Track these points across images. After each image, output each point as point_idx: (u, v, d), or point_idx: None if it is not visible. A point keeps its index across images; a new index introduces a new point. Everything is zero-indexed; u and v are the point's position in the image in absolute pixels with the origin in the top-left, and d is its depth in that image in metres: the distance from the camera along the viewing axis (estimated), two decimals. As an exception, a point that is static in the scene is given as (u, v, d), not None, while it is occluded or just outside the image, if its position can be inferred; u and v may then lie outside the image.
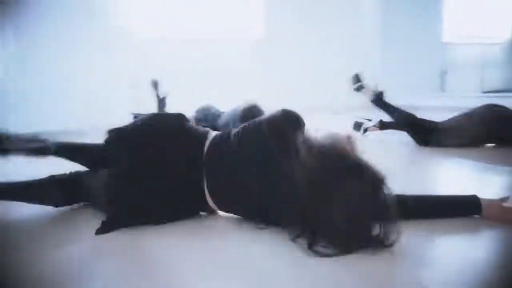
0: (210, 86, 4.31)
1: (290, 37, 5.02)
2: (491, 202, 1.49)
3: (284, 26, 5.01)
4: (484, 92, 5.85)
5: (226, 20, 4.77)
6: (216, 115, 3.24)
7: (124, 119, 3.65)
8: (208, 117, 3.23)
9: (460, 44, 6.58)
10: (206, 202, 1.42)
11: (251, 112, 3.12)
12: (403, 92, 5.44)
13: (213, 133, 1.48)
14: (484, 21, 7.04)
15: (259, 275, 1.09)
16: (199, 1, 4.65)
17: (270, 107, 3.36)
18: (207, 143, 1.42)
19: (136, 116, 3.80)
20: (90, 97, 4.05)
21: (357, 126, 3.32)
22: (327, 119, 3.78)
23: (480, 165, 2.45)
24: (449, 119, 2.93)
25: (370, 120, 3.30)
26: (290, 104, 4.28)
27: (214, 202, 1.41)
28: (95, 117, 3.93)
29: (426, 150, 2.85)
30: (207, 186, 1.38)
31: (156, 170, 1.37)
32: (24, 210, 1.64)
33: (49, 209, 1.63)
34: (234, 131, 1.41)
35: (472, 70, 6.47)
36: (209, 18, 4.69)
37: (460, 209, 1.49)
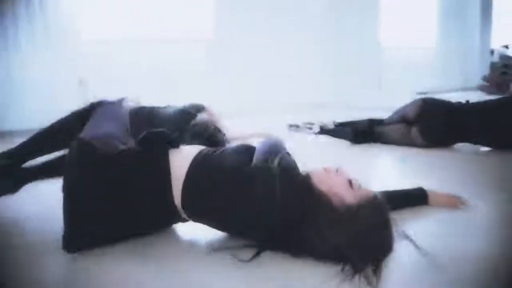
0: (159, 87, 4.30)
1: (240, 39, 5.12)
2: (433, 192, 1.73)
3: (234, 28, 5.10)
4: (418, 93, 6.29)
5: (175, 21, 4.78)
6: (154, 112, 3.17)
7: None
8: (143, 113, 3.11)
9: (396, 48, 7.02)
10: (179, 216, 1.38)
11: (194, 109, 3.18)
12: (344, 92, 5.74)
13: (179, 152, 1.37)
14: (415, 27, 7.58)
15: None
16: (147, 1, 4.62)
17: (220, 108, 3.44)
18: (183, 160, 1.32)
19: None
20: (34, 96, 3.90)
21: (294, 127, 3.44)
22: (278, 119, 3.92)
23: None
24: (390, 123, 3.15)
25: (312, 125, 3.43)
26: (241, 104, 4.36)
27: (188, 215, 1.38)
28: (40, 116, 3.81)
29: (358, 148, 3.08)
30: (184, 204, 1.32)
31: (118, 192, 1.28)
32: (26, 210, 1.62)
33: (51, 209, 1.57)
34: (223, 155, 1.34)
35: (406, 72, 6.93)
36: (157, 19, 4.67)
37: (411, 201, 1.70)
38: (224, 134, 3.10)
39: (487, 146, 2.85)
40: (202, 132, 3.02)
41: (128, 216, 1.31)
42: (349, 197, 1.18)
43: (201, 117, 3.16)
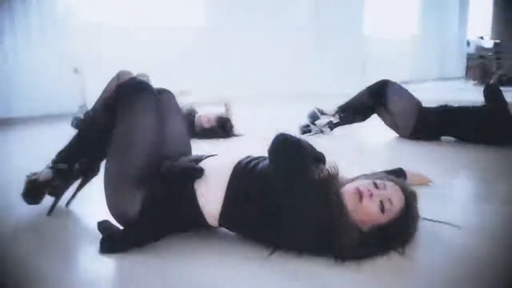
0: (151, 74, 4.39)
1: (230, 26, 5.21)
2: (408, 171, 1.98)
3: (224, 15, 5.19)
4: (401, 83, 6.53)
5: (167, 8, 4.80)
6: None
7: (67, 105, 3.63)
8: None
9: (379, 39, 7.27)
10: (205, 222, 1.42)
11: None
12: (329, 81, 5.96)
13: (206, 182, 1.38)
14: (398, 19, 7.85)
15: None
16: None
17: (213, 95, 3.52)
18: (215, 184, 1.36)
19: (81, 107, 3.79)
20: (30, 83, 3.96)
21: (313, 117, 3.40)
22: (274, 106, 3.90)
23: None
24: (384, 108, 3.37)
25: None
26: (229, 91, 4.33)
27: (220, 224, 1.42)
28: (37, 104, 3.87)
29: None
30: (222, 222, 1.38)
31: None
32: (32, 211, 1.61)
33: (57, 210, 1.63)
34: (262, 164, 1.38)
35: (388, 62, 7.19)
36: (150, 6, 4.67)
37: None
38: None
39: (469, 141, 3.08)
40: (216, 127, 3.24)
41: (162, 232, 1.43)
42: (381, 221, 1.29)
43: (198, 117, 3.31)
